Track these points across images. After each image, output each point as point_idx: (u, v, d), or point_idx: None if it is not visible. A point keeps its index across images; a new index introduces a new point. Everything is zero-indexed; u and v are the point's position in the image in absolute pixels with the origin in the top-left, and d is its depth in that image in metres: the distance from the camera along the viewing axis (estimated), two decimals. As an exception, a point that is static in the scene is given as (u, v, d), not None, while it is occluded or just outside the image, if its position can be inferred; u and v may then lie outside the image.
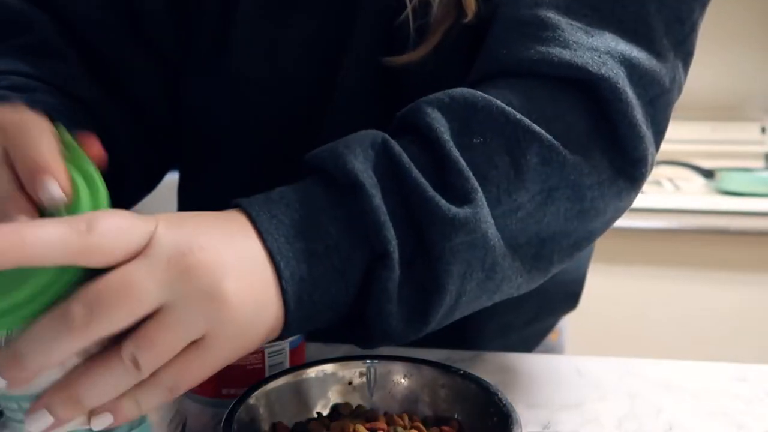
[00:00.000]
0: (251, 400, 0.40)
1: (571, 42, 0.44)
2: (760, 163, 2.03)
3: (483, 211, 0.39)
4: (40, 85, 0.52)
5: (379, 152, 0.39)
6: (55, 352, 0.30)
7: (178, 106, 0.61)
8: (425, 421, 0.42)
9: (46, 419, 0.31)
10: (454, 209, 0.38)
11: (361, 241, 0.37)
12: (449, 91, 0.42)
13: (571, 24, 0.45)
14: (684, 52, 0.48)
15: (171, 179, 0.71)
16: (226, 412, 0.38)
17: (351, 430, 0.40)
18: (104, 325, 0.30)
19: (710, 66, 1.86)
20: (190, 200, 0.69)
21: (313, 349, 0.56)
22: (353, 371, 0.44)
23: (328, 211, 0.37)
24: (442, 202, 0.38)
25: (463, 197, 0.38)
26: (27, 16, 0.54)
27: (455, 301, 0.40)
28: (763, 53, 2.11)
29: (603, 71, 0.42)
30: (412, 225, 0.38)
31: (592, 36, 0.44)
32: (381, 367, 0.44)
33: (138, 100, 0.58)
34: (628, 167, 0.44)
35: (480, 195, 0.39)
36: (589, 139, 0.43)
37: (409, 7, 0.50)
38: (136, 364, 0.31)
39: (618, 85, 0.43)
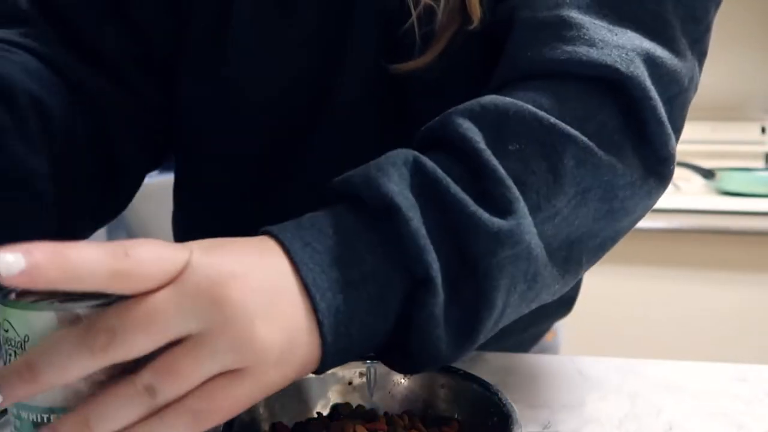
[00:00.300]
0: (251, 400, 0.40)
1: (597, 40, 0.43)
2: (760, 163, 2.03)
3: (526, 221, 0.38)
4: (21, 50, 0.52)
5: (414, 171, 0.38)
6: (70, 369, 0.30)
7: (173, 106, 0.61)
8: (425, 421, 0.42)
9: None
10: (498, 222, 0.37)
11: (399, 267, 0.36)
12: (478, 99, 0.41)
13: (595, 23, 0.44)
14: (699, 51, 0.48)
15: (166, 180, 0.71)
16: (226, 412, 0.38)
17: (351, 430, 0.40)
18: (125, 349, 0.30)
19: (710, 66, 1.86)
20: (186, 201, 0.69)
21: (313, 349, 0.56)
22: (353, 371, 0.44)
23: (363, 238, 0.36)
24: (485, 216, 0.37)
25: (504, 207, 0.37)
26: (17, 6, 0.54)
27: (500, 315, 0.39)
28: (763, 53, 2.11)
29: (632, 70, 0.42)
30: (454, 243, 0.37)
31: (616, 34, 0.44)
32: (381, 367, 0.44)
33: (129, 97, 0.58)
34: (658, 165, 0.44)
35: (522, 204, 0.38)
36: (622, 137, 0.42)
37: (414, 14, 0.50)
38: (151, 392, 0.30)
39: (646, 84, 0.42)
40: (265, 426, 0.40)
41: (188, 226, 0.70)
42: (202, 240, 0.34)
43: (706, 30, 0.48)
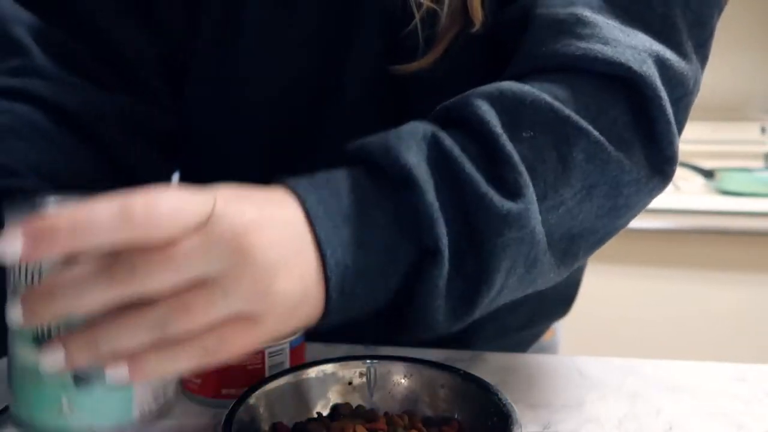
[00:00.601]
0: (251, 400, 0.40)
1: (610, 39, 0.44)
2: (760, 163, 2.03)
3: (533, 206, 0.39)
4: (10, 105, 0.52)
5: (431, 145, 0.39)
6: (88, 297, 0.30)
7: (182, 106, 0.61)
8: (425, 421, 0.42)
9: (59, 356, 0.31)
10: (507, 204, 0.38)
11: (410, 236, 0.37)
12: (497, 84, 0.42)
13: (608, 23, 0.45)
14: (703, 55, 0.49)
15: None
16: (226, 412, 0.38)
17: (351, 430, 0.40)
18: (143, 283, 0.30)
19: (710, 66, 1.86)
20: None
21: (313, 349, 0.56)
22: (353, 371, 0.44)
23: (377, 203, 0.37)
24: (496, 197, 0.38)
25: (515, 191, 0.39)
26: (14, 38, 0.54)
27: (497, 294, 0.40)
28: (763, 53, 2.11)
29: (644, 69, 0.43)
30: (463, 219, 0.38)
31: (628, 35, 0.45)
32: (381, 367, 0.44)
33: (145, 103, 0.58)
34: (663, 164, 0.45)
35: (531, 190, 0.39)
36: (631, 135, 0.43)
37: (417, 16, 0.50)
38: (162, 325, 0.31)
39: (657, 84, 0.43)
40: (265, 426, 0.41)
41: None
42: (223, 188, 0.34)
43: (710, 35, 0.49)
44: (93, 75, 0.56)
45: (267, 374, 0.49)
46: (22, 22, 0.55)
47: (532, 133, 0.40)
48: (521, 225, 0.38)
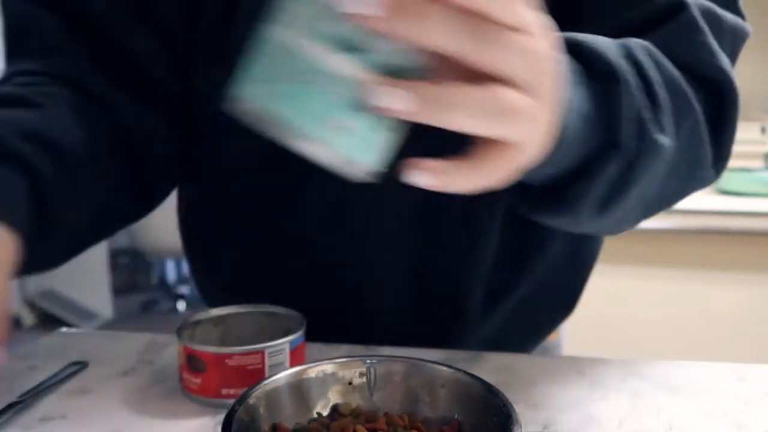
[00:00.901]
0: (251, 400, 0.40)
1: (716, 51, 0.49)
2: (760, 163, 2.03)
3: (669, 148, 0.44)
4: (50, 80, 0.54)
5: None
6: (439, 31, 0.28)
7: (187, 98, 0.62)
8: (425, 421, 0.42)
9: (394, 100, 0.29)
10: (657, 135, 0.43)
11: (603, 125, 0.41)
12: (642, 41, 0.46)
13: (710, 34, 0.49)
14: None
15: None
16: (226, 412, 0.38)
17: (351, 430, 0.40)
18: (486, 50, 0.29)
19: (710, 66, 1.87)
20: (190, 194, 0.70)
21: (313, 349, 0.56)
22: (353, 371, 0.44)
23: (586, 84, 0.41)
24: (652, 125, 0.43)
25: (662, 128, 0.43)
26: (35, 18, 0.55)
27: (616, 217, 0.45)
28: (763, 53, 2.12)
29: (735, 82, 0.49)
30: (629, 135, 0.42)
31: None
32: (381, 367, 0.44)
33: (152, 94, 0.59)
34: (719, 164, 0.51)
35: (671, 135, 0.44)
36: (709, 131, 0.49)
37: None
38: (495, 104, 0.30)
39: (738, 98, 0.49)
40: (265, 426, 0.40)
41: (198, 222, 0.70)
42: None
43: (732, 64, 0.53)
44: (112, 76, 0.57)
45: (267, 374, 0.49)
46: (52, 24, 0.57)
47: (663, 95, 0.44)
48: (661, 160, 0.43)
